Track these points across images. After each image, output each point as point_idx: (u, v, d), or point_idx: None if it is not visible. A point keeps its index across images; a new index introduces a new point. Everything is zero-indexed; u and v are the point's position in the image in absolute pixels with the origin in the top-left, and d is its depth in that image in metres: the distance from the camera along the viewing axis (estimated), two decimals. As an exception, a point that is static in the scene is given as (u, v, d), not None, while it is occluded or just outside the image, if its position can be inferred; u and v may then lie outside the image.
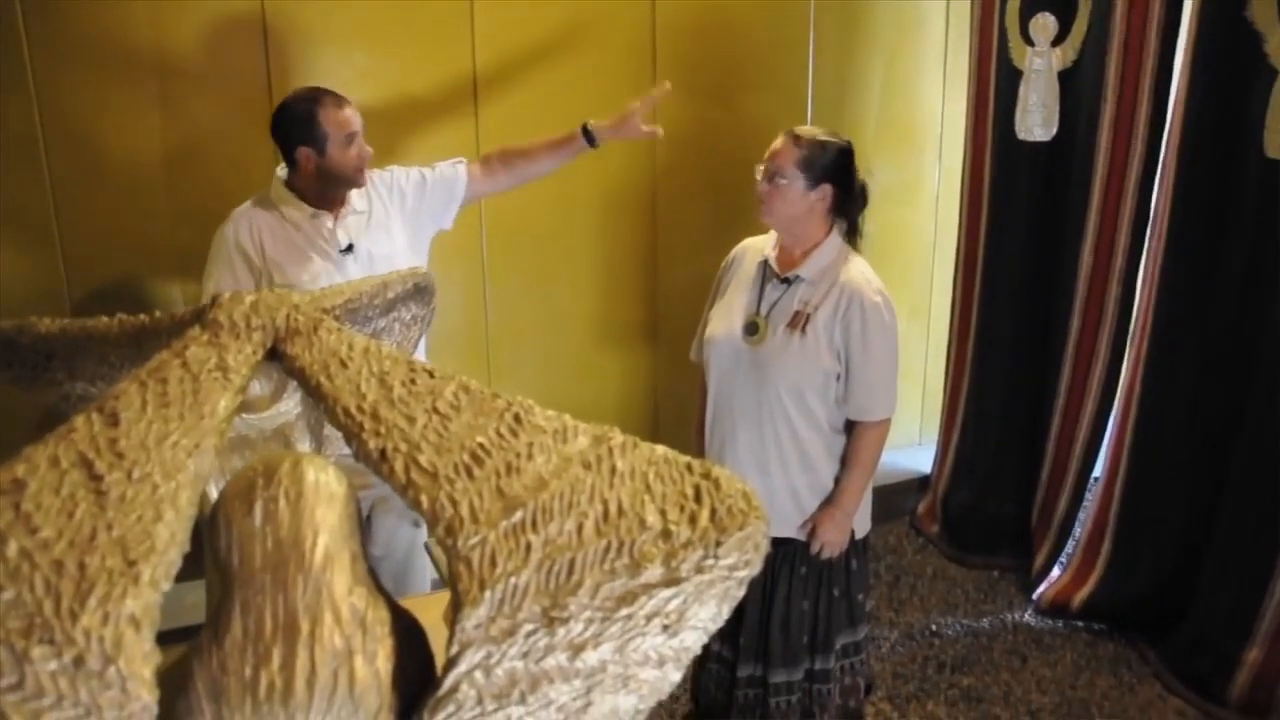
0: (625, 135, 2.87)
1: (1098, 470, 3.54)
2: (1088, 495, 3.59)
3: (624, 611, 0.83)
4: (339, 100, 2.51)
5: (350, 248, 2.58)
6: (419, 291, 1.84)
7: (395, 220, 2.71)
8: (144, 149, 2.97)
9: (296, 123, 2.48)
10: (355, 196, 2.65)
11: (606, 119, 2.84)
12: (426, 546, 2.48)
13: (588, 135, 2.84)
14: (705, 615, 0.86)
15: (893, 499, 4.19)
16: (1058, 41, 3.41)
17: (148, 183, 2.99)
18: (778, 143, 2.38)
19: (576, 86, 3.47)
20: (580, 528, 0.84)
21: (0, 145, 2.80)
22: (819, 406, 2.41)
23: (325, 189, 2.56)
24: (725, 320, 2.50)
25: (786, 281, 2.43)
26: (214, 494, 1.16)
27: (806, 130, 2.38)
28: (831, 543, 2.46)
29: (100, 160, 2.93)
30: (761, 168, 2.40)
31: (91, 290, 2.95)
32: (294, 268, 2.51)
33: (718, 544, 0.84)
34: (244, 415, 1.64)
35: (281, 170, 2.61)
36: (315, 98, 2.49)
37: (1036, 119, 3.52)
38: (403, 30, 3.19)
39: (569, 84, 3.46)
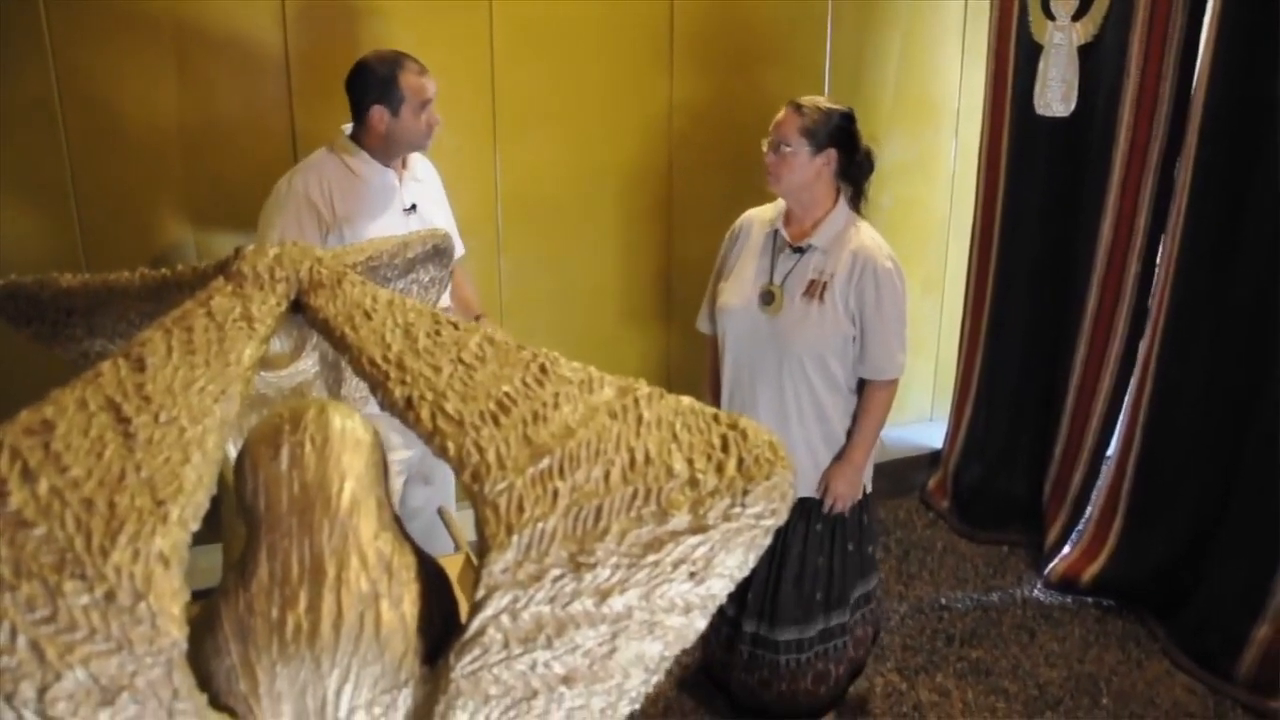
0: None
1: (1111, 447, 3.53)
2: (1101, 472, 3.58)
3: (651, 558, 0.83)
4: (420, 67, 2.58)
5: (414, 207, 2.66)
6: (438, 254, 1.84)
7: (440, 205, 2.83)
8: (160, 114, 2.97)
9: (376, 82, 2.53)
10: (417, 164, 2.73)
11: None
12: (441, 511, 2.49)
13: None
14: (732, 563, 0.86)
15: (903, 474, 4.20)
16: (1079, 16, 3.37)
17: (163, 148, 2.99)
18: (781, 113, 2.45)
19: (593, 55, 3.46)
20: (607, 475, 0.84)
21: (17, 108, 2.80)
22: (839, 368, 2.49)
23: (391, 150, 2.61)
24: (739, 291, 2.55)
25: (799, 251, 2.49)
26: (233, 452, 1.16)
27: (808, 99, 2.45)
28: (842, 496, 2.54)
29: (116, 124, 2.92)
30: (766, 140, 2.47)
31: (106, 253, 2.96)
32: (365, 222, 2.55)
33: (745, 493, 0.84)
34: (263, 373, 1.65)
35: (346, 127, 2.65)
36: (398, 61, 2.55)
37: (1056, 94, 3.49)
38: (422, 4, 3.17)
39: (585, 53, 3.44)
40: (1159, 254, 3.25)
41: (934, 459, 4.29)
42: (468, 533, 2.21)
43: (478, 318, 2.82)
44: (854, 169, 2.50)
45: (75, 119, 2.87)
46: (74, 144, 2.88)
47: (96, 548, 0.75)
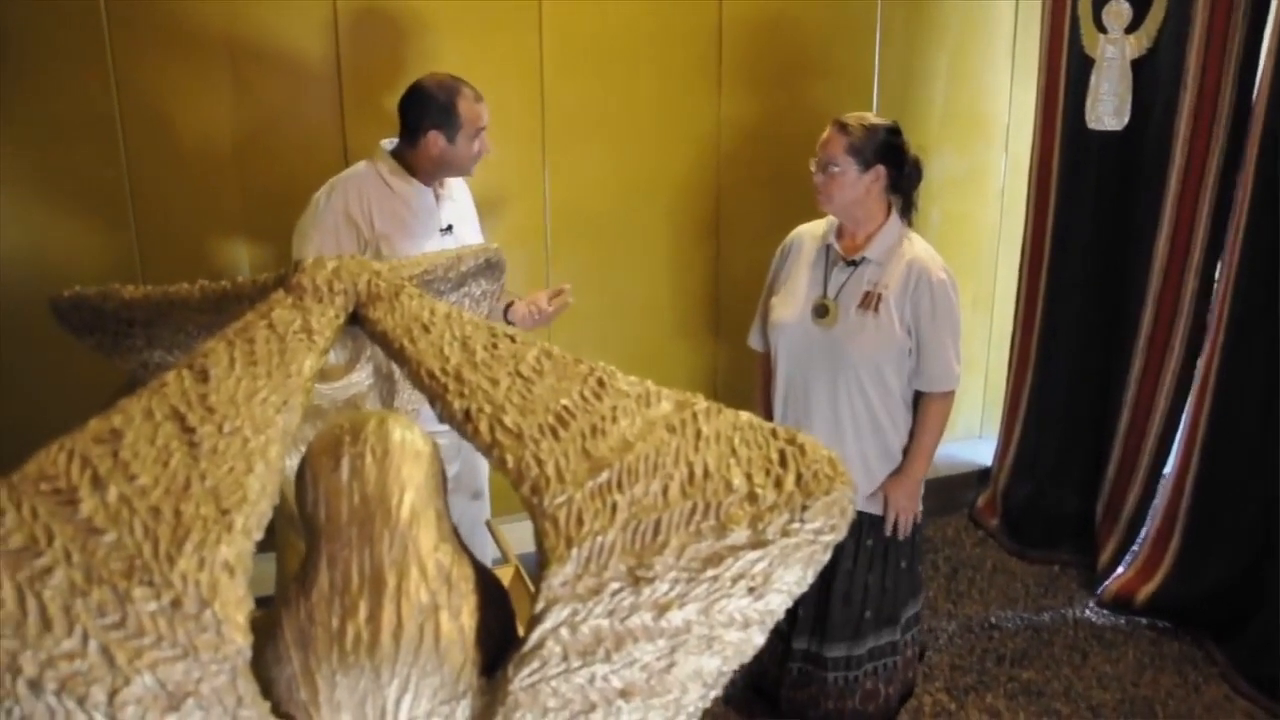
0: (529, 323, 2.73)
1: (1168, 465, 3.47)
2: (1157, 490, 3.52)
3: (710, 573, 0.83)
4: (476, 94, 2.59)
5: (450, 228, 2.66)
6: (489, 267, 1.85)
7: (473, 224, 2.83)
8: (217, 130, 3.02)
9: (435, 107, 2.54)
10: (452, 183, 2.73)
11: (524, 302, 2.74)
12: (488, 524, 2.50)
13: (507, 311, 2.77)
14: (790, 579, 0.86)
15: (952, 491, 4.15)
16: (1132, 29, 3.33)
17: (219, 163, 3.04)
18: (826, 133, 2.45)
19: (642, 70, 3.47)
20: (666, 489, 0.84)
21: (80, 123, 2.86)
22: (895, 380, 2.49)
23: (438, 172, 2.63)
24: (791, 305, 2.55)
25: (853, 264, 2.49)
26: (289, 463, 1.17)
27: (853, 117, 2.44)
28: (905, 509, 2.53)
29: (174, 140, 2.98)
30: (814, 160, 2.47)
31: (162, 265, 3.01)
32: (402, 240, 2.56)
33: (804, 508, 0.83)
34: (318, 385, 1.66)
35: (388, 143, 2.65)
36: (457, 88, 2.56)
37: (1107, 108, 3.44)
38: (472, 20, 3.20)
39: (635, 68, 3.45)
40: (1218, 269, 3.19)
41: (983, 476, 4.24)
42: (513, 546, 2.22)
43: (510, 304, 2.77)
44: (903, 181, 2.50)
45: (135, 133, 2.93)
46: (133, 158, 2.94)
47: (164, 555, 0.77)
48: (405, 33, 3.15)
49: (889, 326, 2.42)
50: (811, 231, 2.62)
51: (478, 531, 2.65)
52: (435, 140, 2.55)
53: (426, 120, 2.54)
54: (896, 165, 2.46)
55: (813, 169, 2.47)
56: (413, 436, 0.92)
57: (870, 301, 2.44)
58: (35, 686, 0.73)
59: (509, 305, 2.74)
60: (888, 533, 2.54)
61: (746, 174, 3.72)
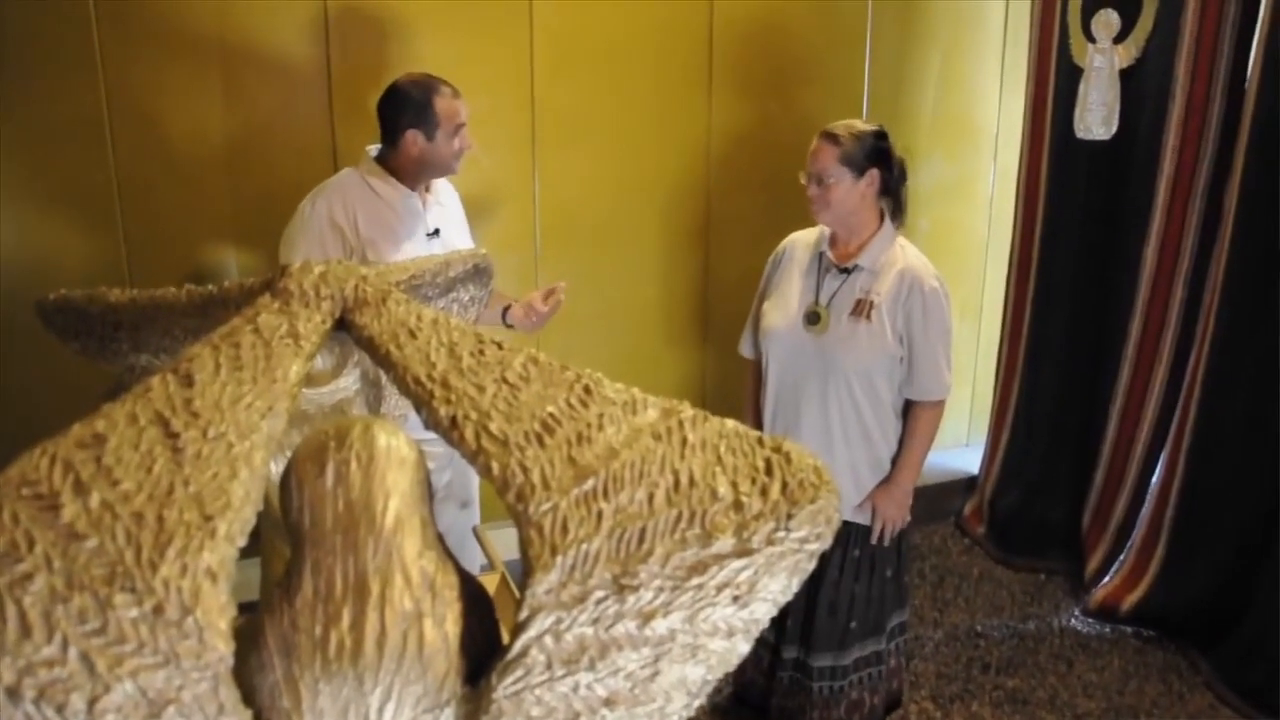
0: (526, 325, 2.73)
1: (1155, 474, 3.48)
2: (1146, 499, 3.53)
3: (695, 581, 0.83)
4: (453, 91, 2.58)
5: (437, 232, 2.65)
6: (478, 273, 1.85)
7: (462, 229, 2.82)
8: (206, 133, 3.01)
9: (411, 106, 2.53)
10: (440, 188, 2.73)
11: (520, 304, 2.73)
12: (475, 531, 2.49)
13: (505, 314, 2.77)
14: (775, 587, 0.85)
15: (939, 499, 4.16)
16: (1120, 39, 3.35)
17: (209, 166, 3.03)
18: (814, 145, 2.45)
19: (632, 75, 3.47)
20: (651, 497, 0.84)
21: (67, 125, 2.85)
22: (885, 389, 2.48)
23: (421, 173, 2.61)
24: (783, 312, 2.55)
25: (846, 271, 2.49)
26: (275, 469, 1.16)
27: (840, 126, 2.44)
28: (892, 518, 2.53)
29: (163, 143, 2.97)
30: (804, 174, 2.47)
31: (150, 268, 3.00)
32: (388, 246, 2.54)
33: (789, 516, 0.83)
34: (305, 390, 1.66)
35: (373, 148, 2.65)
36: (433, 85, 2.55)
37: (1096, 117, 3.46)
38: (463, 23, 3.20)
39: (625, 72, 3.46)
40: (1206, 279, 3.21)
41: (970, 484, 4.25)
42: (500, 553, 2.21)
43: (508, 307, 2.76)
44: (892, 182, 2.50)
45: (123, 135, 2.92)
46: (121, 160, 2.93)
47: (146, 561, 0.76)
48: (395, 35, 3.15)
49: (881, 334, 2.42)
50: (805, 239, 2.62)
51: (467, 541, 2.65)
52: (414, 140, 2.54)
53: (404, 120, 2.54)
54: (887, 167, 2.47)
55: (803, 181, 2.46)
56: (398, 443, 0.92)
57: (862, 309, 2.43)
58: (13, 694, 0.73)
59: (507, 308, 2.73)
60: (874, 541, 2.53)
61: (736, 179, 3.73)
